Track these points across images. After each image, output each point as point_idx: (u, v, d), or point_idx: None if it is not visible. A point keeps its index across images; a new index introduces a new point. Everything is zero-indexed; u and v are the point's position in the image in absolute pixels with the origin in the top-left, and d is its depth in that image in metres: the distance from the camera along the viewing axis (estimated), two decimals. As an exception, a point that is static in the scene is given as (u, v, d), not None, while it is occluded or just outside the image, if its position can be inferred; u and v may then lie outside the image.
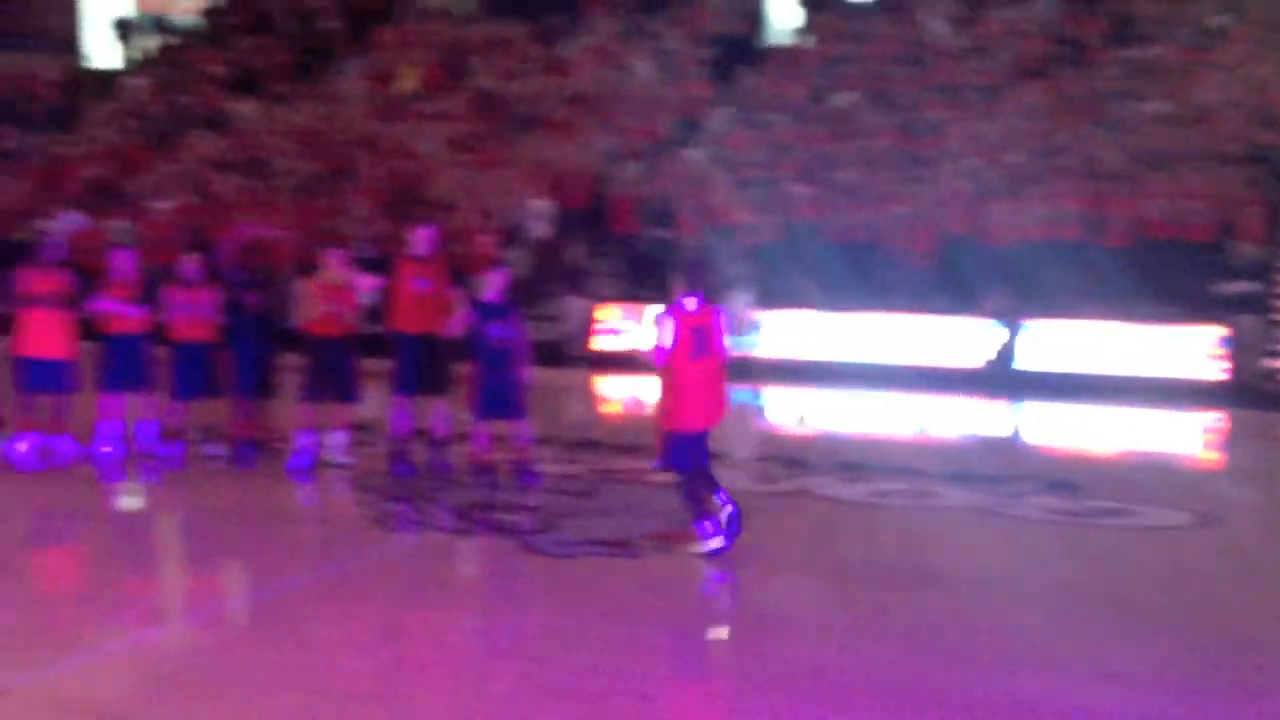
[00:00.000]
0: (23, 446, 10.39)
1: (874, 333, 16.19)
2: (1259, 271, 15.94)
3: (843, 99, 20.01)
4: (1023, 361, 15.75)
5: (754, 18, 23.83)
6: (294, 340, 10.30)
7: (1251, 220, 16.12)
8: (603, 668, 6.08)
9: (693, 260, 9.19)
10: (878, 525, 9.20)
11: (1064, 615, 6.98)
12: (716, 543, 7.89)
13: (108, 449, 10.48)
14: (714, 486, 8.07)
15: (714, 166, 18.82)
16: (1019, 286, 15.70)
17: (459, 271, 10.72)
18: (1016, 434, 14.49)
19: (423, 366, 10.05)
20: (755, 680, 5.98)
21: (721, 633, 7.17)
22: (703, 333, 8.03)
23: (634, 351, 16.49)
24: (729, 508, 7.95)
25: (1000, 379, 15.53)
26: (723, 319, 8.26)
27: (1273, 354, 15.30)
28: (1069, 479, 10.25)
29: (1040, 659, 6.24)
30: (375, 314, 10.61)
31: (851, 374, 15.35)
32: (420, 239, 10.15)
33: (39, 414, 10.45)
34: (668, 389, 8.13)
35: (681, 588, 7.58)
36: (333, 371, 10.19)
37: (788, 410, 14.39)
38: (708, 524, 7.93)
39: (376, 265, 11.18)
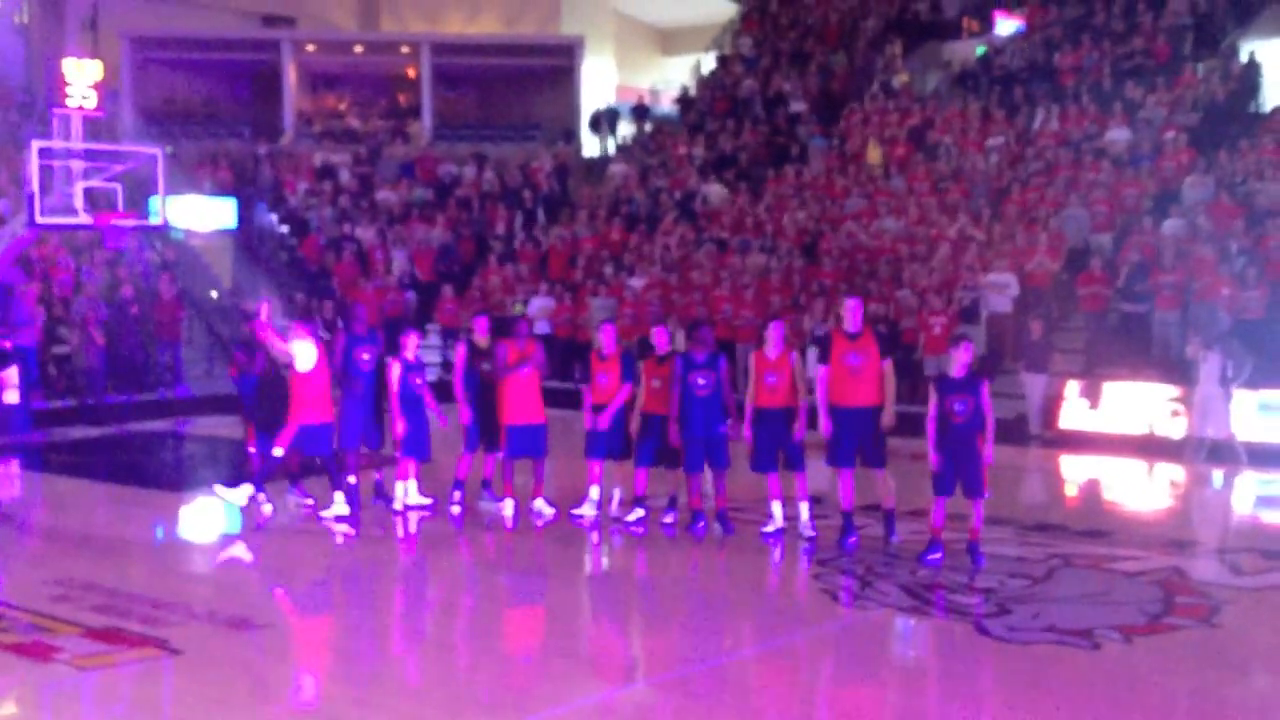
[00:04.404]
0: (508, 508, 11.47)
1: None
2: None
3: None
4: None
5: (1241, 83, 22.43)
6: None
7: None
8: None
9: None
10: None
11: None
12: None
13: (584, 513, 11.32)
14: None
15: (1192, 238, 17.82)
16: None
17: (893, 345, 10.77)
18: None
19: (860, 440, 10.20)
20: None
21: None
22: None
23: (1098, 431, 15.91)
24: None
25: None
26: None
27: None
28: None
29: None
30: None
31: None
32: (850, 313, 10.35)
33: (518, 477, 11.52)
34: None
35: (1144, 684, 7.26)
36: (780, 442, 10.56)
37: (1268, 497, 13.29)
38: None
39: (818, 344, 11.44)
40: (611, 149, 30.38)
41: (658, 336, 11.24)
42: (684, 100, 30.28)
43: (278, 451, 11.06)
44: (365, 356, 11.46)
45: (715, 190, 24.93)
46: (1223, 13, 24.23)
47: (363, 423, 11.46)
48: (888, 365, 10.21)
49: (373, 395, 11.54)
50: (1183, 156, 20.28)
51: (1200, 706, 7.05)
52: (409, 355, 11.51)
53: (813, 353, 14.07)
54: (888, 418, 10.16)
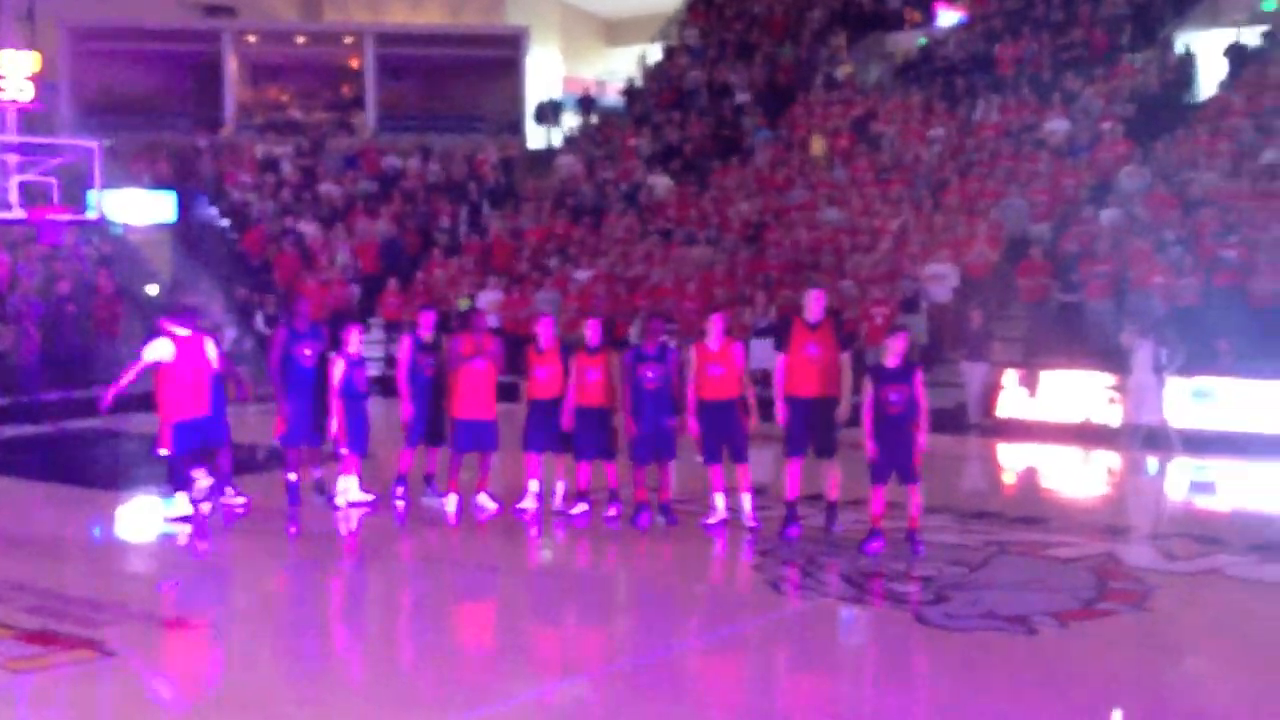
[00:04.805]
0: (451, 503, 11.47)
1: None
2: None
3: (1270, 155, 18.72)
4: None
5: (1177, 74, 22.77)
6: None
7: None
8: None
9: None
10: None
11: None
12: None
13: (526, 506, 11.32)
14: None
15: (1128, 227, 18.09)
16: None
17: (851, 336, 10.90)
18: None
19: (812, 429, 10.29)
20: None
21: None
22: None
23: (1035, 419, 16.12)
24: None
25: None
26: None
27: None
28: None
29: None
30: (766, 378, 11.03)
31: (1268, 446, 14.21)
32: (811, 304, 10.44)
33: (464, 472, 11.48)
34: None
35: (1077, 668, 7.37)
36: (724, 434, 10.61)
37: (1201, 483, 13.53)
38: None
39: (776, 332, 11.50)
40: (557, 141, 30.32)
41: (590, 329, 11.24)
42: (630, 92, 30.29)
43: (163, 451, 11.02)
44: (307, 352, 11.37)
45: (661, 182, 24.96)
46: (1160, 4, 24.57)
47: (304, 419, 11.38)
48: (845, 357, 10.29)
49: (314, 391, 11.46)
50: (1119, 147, 20.56)
51: (1132, 689, 7.16)
52: (351, 350, 11.45)
53: (759, 344, 14.18)
54: (844, 410, 10.24)
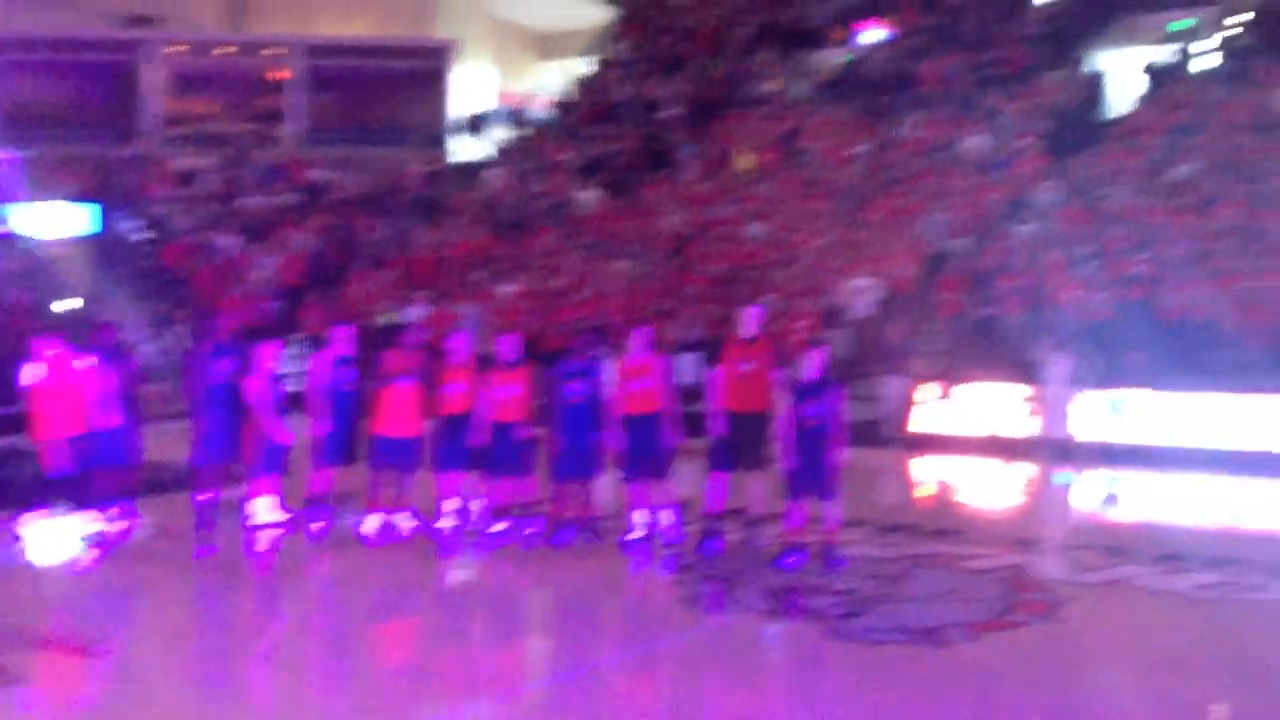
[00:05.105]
0: (370, 523, 11.27)
1: (1205, 415, 15.25)
2: None
3: (1183, 170, 19.17)
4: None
5: (1094, 91, 23.25)
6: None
7: None
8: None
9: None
10: (1194, 618, 8.80)
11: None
12: None
13: (445, 525, 11.15)
14: None
15: (1044, 242, 18.42)
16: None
17: (781, 352, 11.00)
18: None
19: (743, 444, 10.31)
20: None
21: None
22: None
23: (952, 433, 16.33)
24: None
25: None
26: None
27: None
28: None
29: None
30: (694, 393, 11.07)
31: (1178, 458, 14.53)
32: (748, 320, 10.52)
33: (387, 490, 11.34)
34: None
35: (988, 679, 7.47)
36: (646, 450, 10.56)
37: (1108, 496, 13.79)
38: None
39: (703, 346, 11.57)
40: (484, 154, 30.26)
41: (505, 344, 11.18)
42: (561, 105, 30.30)
43: (49, 472, 10.94)
44: (224, 368, 11.19)
45: (589, 196, 25.00)
46: (1077, 23, 25.06)
47: (219, 437, 11.19)
48: (779, 374, 10.36)
49: (230, 408, 11.27)
50: (1036, 162, 20.94)
51: (1041, 699, 7.25)
52: (269, 366, 11.30)
53: (687, 358, 14.20)
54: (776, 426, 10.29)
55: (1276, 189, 18.08)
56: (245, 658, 8.50)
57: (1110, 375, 15.16)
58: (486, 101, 33.73)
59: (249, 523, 11.38)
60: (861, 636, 8.22)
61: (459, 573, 10.79)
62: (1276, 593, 9.43)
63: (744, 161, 24.38)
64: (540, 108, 32.51)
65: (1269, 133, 19.37)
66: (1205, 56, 22.87)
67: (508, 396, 10.88)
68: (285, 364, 11.92)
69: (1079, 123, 22.27)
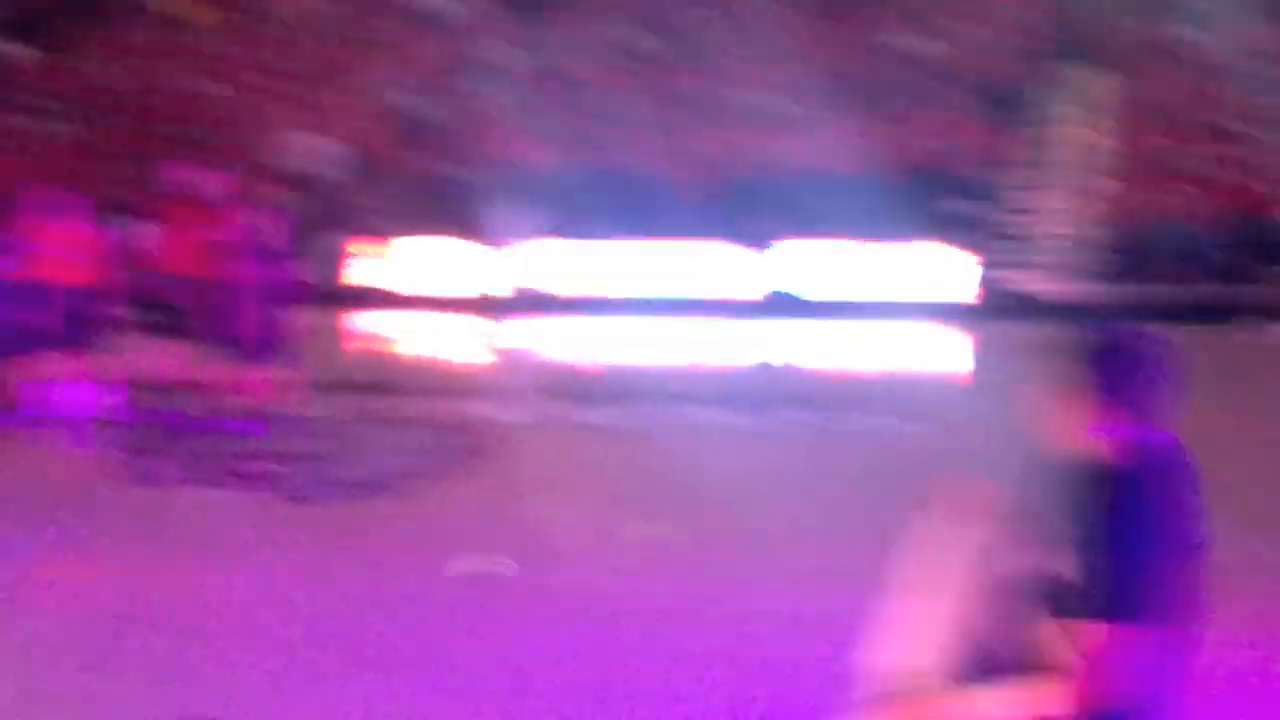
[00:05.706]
0: None
1: (643, 263, 16.47)
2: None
3: (626, 34, 20.19)
4: (788, 287, 16.27)
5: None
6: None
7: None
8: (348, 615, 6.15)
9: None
10: (621, 447, 9.53)
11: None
12: None
13: None
14: None
15: (502, 102, 18.84)
16: (793, 214, 16.19)
17: (230, 216, 10.61)
18: (776, 357, 14.79)
19: (197, 312, 10.00)
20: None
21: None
22: None
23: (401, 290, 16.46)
24: None
25: (774, 306, 16.05)
26: None
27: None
28: (817, 395, 10.83)
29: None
30: (128, 261, 10.53)
31: (622, 306, 15.65)
32: (196, 183, 10.14)
33: None
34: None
35: (436, 522, 7.69)
36: (71, 320, 10.03)
37: (558, 342, 14.63)
38: None
39: (149, 212, 11.02)
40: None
41: None
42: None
43: None
44: None
45: (23, 52, 22.57)
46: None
47: None
48: (228, 238, 10.03)
49: None
50: (498, 25, 21.17)
51: (489, 534, 7.36)
52: None
53: (131, 224, 13.35)
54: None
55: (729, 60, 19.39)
56: None
57: (555, 228, 15.91)
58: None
59: None
60: (313, 494, 8.20)
61: None
62: (706, 420, 10.35)
63: (200, 13, 22.86)
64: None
65: (726, 6, 20.65)
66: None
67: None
68: None
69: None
